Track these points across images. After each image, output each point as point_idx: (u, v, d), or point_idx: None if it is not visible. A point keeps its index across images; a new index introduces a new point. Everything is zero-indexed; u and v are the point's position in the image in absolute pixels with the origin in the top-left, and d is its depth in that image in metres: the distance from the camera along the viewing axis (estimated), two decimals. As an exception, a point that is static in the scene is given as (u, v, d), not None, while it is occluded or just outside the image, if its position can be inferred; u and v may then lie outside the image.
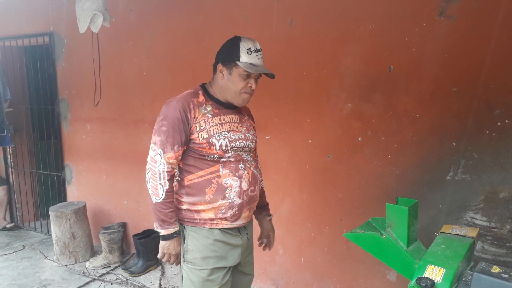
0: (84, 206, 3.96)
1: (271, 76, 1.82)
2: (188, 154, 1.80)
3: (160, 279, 3.45)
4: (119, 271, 3.65)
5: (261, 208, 2.14)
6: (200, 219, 1.81)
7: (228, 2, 3.04)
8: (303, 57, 2.77)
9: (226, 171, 1.79)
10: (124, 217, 3.99)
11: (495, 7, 2.15)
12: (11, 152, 4.70)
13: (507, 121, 2.19)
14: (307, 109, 2.81)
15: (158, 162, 1.75)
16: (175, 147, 1.74)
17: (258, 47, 1.79)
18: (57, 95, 4.25)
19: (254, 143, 1.94)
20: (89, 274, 3.59)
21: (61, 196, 4.48)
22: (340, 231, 2.75)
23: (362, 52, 2.55)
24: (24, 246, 4.28)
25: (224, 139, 1.78)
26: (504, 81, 2.17)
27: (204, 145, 1.76)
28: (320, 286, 2.96)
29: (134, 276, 3.53)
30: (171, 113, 1.75)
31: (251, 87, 1.80)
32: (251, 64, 1.75)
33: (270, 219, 2.17)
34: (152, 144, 1.77)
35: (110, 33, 3.46)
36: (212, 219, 1.80)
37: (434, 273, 1.53)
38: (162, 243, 1.80)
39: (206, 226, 1.81)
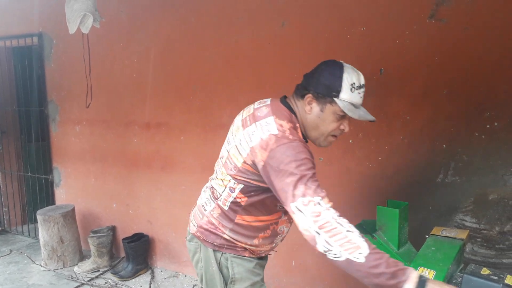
0: (73, 210, 3.91)
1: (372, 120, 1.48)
2: (262, 197, 1.50)
3: (150, 283, 3.41)
4: (108, 275, 3.61)
5: None
6: (240, 248, 1.59)
7: (221, 4, 3.03)
8: (295, 59, 2.77)
9: (285, 218, 1.60)
10: (113, 221, 3.95)
11: (485, 10, 2.17)
12: (-2, 154, 4.63)
13: (496, 124, 2.20)
14: (298, 111, 2.80)
15: (322, 212, 1.27)
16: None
17: (363, 81, 1.46)
18: (46, 97, 4.20)
19: None
20: (78, 279, 3.54)
21: (49, 199, 4.41)
22: (331, 233, 2.74)
23: (354, 54, 2.56)
24: (11, 251, 4.21)
25: None
26: (494, 83, 2.19)
27: None
28: (311, 289, 2.94)
29: (124, 280, 3.49)
30: (304, 152, 1.36)
31: (343, 130, 1.49)
32: (352, 104, 1.42)
33: None
34: (300, 201, 1.29)
35: (101, 34, 3.43)
36: (252, 251, 1.62)
37: (425, 275, 1.52)
38: None
39: (245, 254, 1.61)
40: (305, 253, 2.93)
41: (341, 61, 1.49)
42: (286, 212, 1.58)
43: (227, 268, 1.59)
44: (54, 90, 4.15)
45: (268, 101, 1.59)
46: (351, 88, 1.41)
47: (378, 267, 1.18)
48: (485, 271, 1.48)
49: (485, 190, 2.25)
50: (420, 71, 2.37)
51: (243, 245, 1.59)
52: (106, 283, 3.46)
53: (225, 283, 1.60)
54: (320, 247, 1.26)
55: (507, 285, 1.40)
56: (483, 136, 2.24)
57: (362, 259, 1.19)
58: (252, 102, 3.11)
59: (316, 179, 1.35)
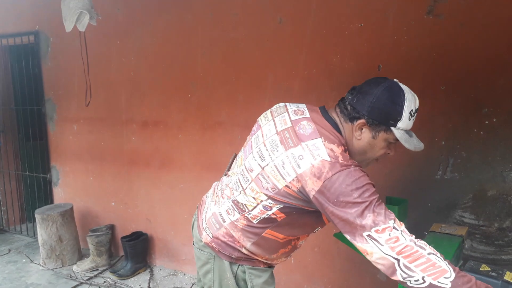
0: (71, 208, 3.90)
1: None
2: (304, 217, 1.43)
3: (149, 282, 3.41)
4: (107, 274, 3.60)
5: None
6: (256, 260, 1.55)
7: (217, 0, 3.01)
8: (292, 56, 2.76)
9: (306, 234, 1.56)
10: (112, 219, 3.94)
11: (483, 6, 2.16)
12: (-4, 153, 4.61)
13: (494, 120, 2.19)
14: (296, 108, 2.79)
15: (400, 238, 1.19)
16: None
17: (417, 105, 1.37)
18: (43, 95, 4.18)
19: None
20: (77, 278, 3.54)
21: (47, 198, 4.40)
22: (330, 231, 2.74)
23: (352, 50, 2.55)
24: (9, 250, 4.20)
25: None
26: (492, 79, 2.18)
27: (325, 219, 1.45)
28: (310, 287, 2.94)
29: (123, 279, 3.48)
30: (363, 178, 1.28)
31: (389, 154, 1.42)
32: (407, 132, 1.34)
33: None
34: (372, 231, 1.20)
35: (97, 32, 3.41)
36: (264, 264, 1.58)
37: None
38: None
39: (261, 266, 1.56)
40: (304, 250, 2.92)
41: (399, 84, 1.37)
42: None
43: (245, 280, 1.53)
44: (51, 89, 4.13)
45: (306, 111, 1.46)
46: (409, 117, 1.33)
47: None
48: (484, 267, 1.48)
49: (484, 186, 2.25)
50: (418, 67, 2.36)
51: (260, 259, 1.54)
52: (105, 282, 3.45)
53: None
54: (399, 275, 1.18)
55: (507, 281, 1.40)
56: (481, 132, 2.24)
57: (448, 284, 1.13)
58: (250, 99, 3.11)
59: (381, 203, 1.25)
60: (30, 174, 4.51)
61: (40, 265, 3.80)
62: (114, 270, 3.58)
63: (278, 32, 2.79)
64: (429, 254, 1.16)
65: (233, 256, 1.52)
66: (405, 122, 1.32)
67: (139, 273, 3.58)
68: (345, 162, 1.28)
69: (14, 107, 4.59)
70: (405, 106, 1.31)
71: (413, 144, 1.35)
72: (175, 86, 3.35)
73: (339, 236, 1.89)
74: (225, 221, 1.51)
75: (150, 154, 3.58)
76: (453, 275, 1.14)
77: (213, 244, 1.54)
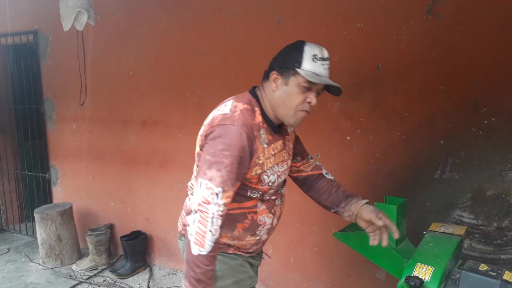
0: (70, 208, 3.90)
1: (338, 91, 1.51)
2: None
3: (149, 281, 3.41)
4: (107, 273, 3.60)
5: (349, 197, 1.72)
6: (224, 244, 1.58)
7: (217, 0, 3.01)
8: (291, 56, 2.76)
9: (263, 207, 1.55)
10: (111, 219, 3.94)
11: (482, 5, 2.16)
12: (-6, 153, 4.61)
13: (493, 119, 2.20)
14: (295, 108, 2.80)
15: (212, 203, 1.34)
16: (236, 183, 1.39)
17: (326, 55, 1.46)
18: (42, 95, 4.18)
19: (289, 168, 1.67)
20: (76, 277, 3.54)
21: (46, 197, 4.40)
22: (330, 230, 2.75)
23: (351, 50, 2.55)
24: (8, 249, 4.20)
25: (273, 175, 1.52)
26: (491, 79, 2.18)
27: (254, 180, 1.48)
28: (309, 286, 2.95)
29: (122, 278, 3.49)
30: (235, 141, 1.37)
31: (310, 103, 1.47)
32: (314, 73, 1.42)
33: (366, 204, 1.67)
34: (205, 181, 1.35)
35: (96, 31, 3.41)
36: (237, 248, 1.60)
37: (423, 271, 1.53)
38: None
39: (230, 252, 1.58)
40: (304, 250, 2.93)
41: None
42: (263, 201, 1.55)
43: None
44: (50, 88, 4.13)
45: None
46: (312, 59, 1.42)
47: (197, 268, 1.32)
48: (483, 267, 1.49)
49: (482, 186, 2.25)
50: (417, 67, 2.37)
51: (225, 240, 1.56)
52: (104, 281, 3.45)
53: None
54: (189, 219, 1.36)
55: (505, 281, 1.40)
56: (480, 132, 2.24)
57: (195, 252, 1.32)
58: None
59: (232, 171, 1.36)
60: (29, 173, 4.51)
61: (39, 264, 3.80)
62: (113, 269, 3.58)
63: (277, 32, 2.79)
64: (209, 230, 1.32)
65: None
66: (309, 63, 1.42)
67: (138, 272, 3.59)
68: (236, 120, 1.40)
69: (13, 106, 4.59)
70: (305, 49, 1.43)
71: (320, 79, 1.42)
72: (174, 86, 3.34)
73: (339, 235, 1.89)
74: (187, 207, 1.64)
75: (150, 153, 3.58)
76: (204, 253, 1.32)
77: (183, 231, 1.62)
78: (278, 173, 1.54)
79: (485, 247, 2.26)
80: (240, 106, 1.46)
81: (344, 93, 2.59)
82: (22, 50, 4.31)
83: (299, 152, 1.79)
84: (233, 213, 1.52)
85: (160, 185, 3.56)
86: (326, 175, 1.80)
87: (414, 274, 1.52)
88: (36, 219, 3.76)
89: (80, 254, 3.96)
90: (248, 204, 1.53)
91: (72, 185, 4.19)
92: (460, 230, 1.80)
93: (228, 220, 1.49)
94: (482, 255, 2.26)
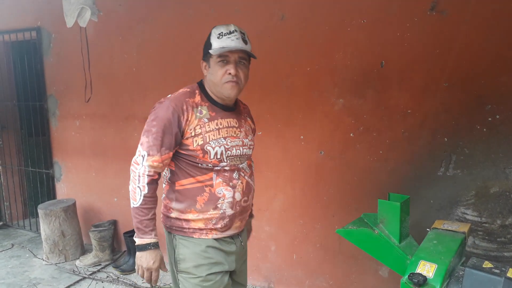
0: (74, 204, 3.91)
1: (249, 54, 1.69)
2: (182, 158, 1.68)
3: (152, 277, 3.42)
4: (110, 269, 3.62)
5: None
6: (189, 229, 1.71)
7: (219, -3, 3.01)
8: (295, 53, 2.75)
9: (219, 180, 1.67)
10: (115, 215, 3.95)
11: (486, 2, 2.15)
12: (-2, 149, 4.62)
13: (498, 116, 2.19)
14: (299, 105, 2.79)
15: (139, 164, 1.61)
16: (162, 149, 1.61)
17: (232, 29, 1.63)
18: (45, 91, 4.18)
19: (251, 149, 1.81)
20: (79, 273, 3.55)
21: (50, 193, 4.41)
22: (332, 227, 2.75)
23: (354, 47, 2.54)
24: (12, 245, 4.22)
25: (220, 147, 1.65)
26: (495, 76, 2.17)
27: (198, 152, 1.64)
28: (312, 282, 2.95)
29: (125, 274, 3.50)
30: (162, 113, 1.61)
31: (230, 73, 1.63)
32: (221, 47, 1.60)
33: (251, 220, 2.08)
34: (139, 145, 1.64)
35: (99, 27, 3.41)
36: (201, 229, 1.70)
37: (426, 268, 1.53)
38: (136, 254, 1.66)
39: (195, 236, 1.71)
40: (306, 246, 2.93)
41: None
42: (218, 174, 1.67)
43: (174, 248, 1.75)
44: (53, 85, 4.13)
45: None
46: (218, 37, 1.62)
47: (134, 218, 1.64)
48: (487, 264, 1.49)
49: (486, 183, 2.25)
50: (421, 64, 2.36)
51: (192, 216, 1.69)
52: (107, 276, 3.47)
53: (175, 263, 1.75)
54: (131, 172, 1.65)
55: (509, 278, 1.40)
56: (484, 129, 2.23)
57: (131, 205, 1.64)
58: (252, 95, 3.11)
59: (157, 138, 1.60)
60: (32, 169, 4.53)
61: (43, 260, 3.82)
62: (116, 265, 3.59)
63: (280, 28, 2.78)
64: (137, 187, 1.61)
65: (167, 225, 1.77)
66: (216, 42, 1.62)
67: (141, 268, 3.60)
68: (170, 97, 1.66)
69: (17, 103, 4.60)
70: (212, 32, 1.65)
71: (221, 49, 1.60)
72: (176, 82, 3.33)
73: (342, 232, 1.89)
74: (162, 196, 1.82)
75: (152, 150, 3.57)
76: (137, 204, 1.61)
77: (161, 220, 1.81)
78: (226, 146, 1.67)
79: (488, 245, 2.26)
80: (182, 90, 1.71)
81: (347, 90, 2.62)
82: (25, 46, 4.31)
83: None
84: (191, 187, 1.68)
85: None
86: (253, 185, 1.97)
87: (418, 271, 1.52)
88: (39, 215, 3.77)
89: (84, 250, 3.98)
90: (204, 177, 1.67)
91: (75, 181, 4.21)
92: (464, 228, 1.79)
93: (188, 195, 1.68)
94: (486, 252, 2.26)
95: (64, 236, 3.78)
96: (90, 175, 4.06)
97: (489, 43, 2.16)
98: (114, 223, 3.91)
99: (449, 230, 1.80)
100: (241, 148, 1.72)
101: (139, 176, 1.62)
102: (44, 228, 3.76)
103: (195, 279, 1.71)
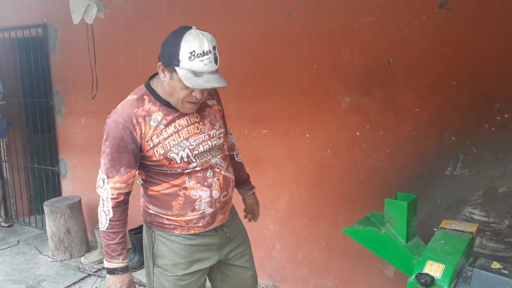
0: (79, 201, 3.92)
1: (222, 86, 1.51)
2: (149, 167, 1.61)
3: (156, 274, 3.43)
4: (115, 266, 3.62)
5: (242, 183, 2.03)
6: (170, 225, 1.66)
7: (225, -6, 2.99)
8: (301, 50, 2.73)
9: (193, 182, 1.60)
10: (120, 212, 3.95)
11: (496, 0, 2.12)
12: (4, 146, 4.63)
13: (506, 116, 2.16)
14: (305, 102, 2.78)
15: (102, 188, 1.57)
16: (122, 170, 1.53)
17: (206, 48, 1.43)
18: (51, 88, 4.19)
19: (221, 137, 1.69)
20: (85, 270, 3.57)
21: (55, 190, 4.43)
22: (338, 226, 2.73)
23: (361, 44, 2.52)
24: (18, 241, 4.24)
25: (183, 150, 1.55)
26: (504, 74, 2.15)
27: (163, 161, 1.55)
28: (317, 281, 2.94)
29: (130, 271, 3.50)
30: (113, 132, 1.52)
31: (195, 97, 1.51)
32: (192, 72, 1.42)
33: (253, 193, 2.07)
34: (99, 168, 1.58)
35: (105, 24, 3.40)
36: (183, 226, 1.66)
37: (434, 269, 1.51)
38: (106, 276, 1.63)
39: (176, 232, 1.66)
40: (312, 245, 2.92)
41: (189, 27, 1.47)
42: (190, 176, 1.59)
43: (153, 243, 1.71)
44: (59, 81, 4.14)
45: None
46: (189, 57, 1.41)
47: (103, 241, 1.59)
48: (495, 265, 1.47)
49: (494, 183, 2.22)
50: (429, 62, 2.33)
51: (170, 217, 1.64)
52: (112, 274, 3.48)
53: (152, 257, 1.72)
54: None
55: (518, 279, 1.38)
56: (493, 128, 2.21)
57: (99, 228, 1.59)
58: (258, 93, 3.10)
59: (113, 159, 1.52)
60: (38, 166, 4.54)
61: (48, 257, 3.84)
62: (121, 263, 3.60)
63: (286, 25, 2.76)
64: (102, 211, 1.57)
65: (147, 220, 1.73)
66: (185, 61, 1.41)
67: (146, 265, 3.60)
68: (117, 111, 1.57)
69: (23, 99, 4.61)
70: (182, 45, 1.41)
71: (193, 82, 1.42)
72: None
73: (348, 231, 1.88)
74: None
75: (158, 147, 3.57)
76: (104, 228, 1.57)
77: (141, 212, 1.77)
78: (191, 147, 1.56)
79: (496, 245, 2.23)
80: (130, 98, 1.61)
81: (354, 88, 2.60)
82: (31, 43, 4.32)
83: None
84: (165, 193, 1.61)
85: (168, 179, 3.56)
86: (236, 157, 1.99)
87: (425, 271, 1.51)
88: (45, 212, 3.79)
89: (89, 247, 3.99)
90: (177, 181, 1.59)
91: (81, 178, 4.22)
92: (472, 228, 1.78)
93: (162, 201, 1.62)
94: (493, 253, 2.24)
95: (69, 233, 3.79)
96: (95, 172, 4.01)
97: (499, 41, 2.14)
98: (119, 220, 3.91)
99: (457, 230, 1.78)
100: (208, 142, 1.62)
101: (103, 200, 1.57)
102: (50, 225, 3.78)
103: (171, 276, 1.69)
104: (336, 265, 2.85)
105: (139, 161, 1.59)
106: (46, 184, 4.49)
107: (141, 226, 3.86)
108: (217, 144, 1.66)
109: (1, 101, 4.27)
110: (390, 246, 1.78)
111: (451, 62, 2.27)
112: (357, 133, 2.62)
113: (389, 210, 1.83)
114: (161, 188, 1.62)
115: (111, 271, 1.60)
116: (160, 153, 1.54)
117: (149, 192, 1.66)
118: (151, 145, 1.54)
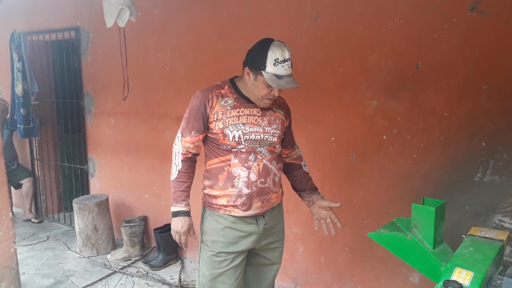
0: (107, 199, 4.02)
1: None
2: (209, 141, 1.95)
3: (180, 274, 3.48)
4: (140, 264, 3.70)
5: (312, 191, 2.17)
6: (216, 204, 1.96)
7: (253, -3, 3.02)
8: (328, 53, 2.73)
9: (236, 161, 1.89)
10: (145, 211, 4.04)
11: (531, 2, 2.07)
12: (36, 144, 4.81)
13: (540, 121, 2.10)
14: (330, 105, 2.77)
15: (176, 144, 1.95)
16: (193, 133, 1.90)
17: (287, 56, 1.80)
18: (82, 89, 4.33)
19: (275, 137, 1.96)
20: (111, 267, 3.65)
21: (84, 188, 4.56)
22: (362, 231, 2.71)
23: (389, 48, 2.50)
24: (48, 237, 4.39)
25: (237, 131, 1.87)
26: (539, 79, 2.09)
27: (219, 135, 1.88)
28: (340, 286, 2.92)
29: (154, 270, 3.57)
30: (193, 102, 1.92)
31: (274, 94, 1.87)
32: (275, 76, 1.78)
33: (323, 197, 2.15)
34: (176, 135, 1.97)
35: (135, 28, 3.49)
36: (225, 206, 1.93)
37: (462, 276, 1.48)
38: (171, 220, 1.97)
39: (221, 212, 1.95)
40: (335, 249, 2.90)
41: (272, 39, 1.82)
42: (236, 155, 1.89)
43: (203, 220, 2.04)
44: (89, 83, 4.27)
45: None
46: (274, 63, 1.76)
47: (171, 188, 1.98)
48: (526, 274, 1.43)
49: (526, 191, 2.16)
50: (459, 66, 2.29)
51: (216, 193, 1.93)
52: (137, 271, 3.55)
53: (201, 232, 2.04)
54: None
55: (551, 290, 1.34)
56: (525, 134, 2.15)
57: (171, 178, 1.97)
58: (284, 96, 3.10)
59: (189, 122, 1.91)
60: (68, 165, 4.69)
61: (76, 253, 3.95)
62: (146, 261, 3.67)
63: (313, 28, 2.77)
64: (174, 163, 1.95)
65: (203, 200, 2.04)
66: (271, 66, 1.77)
67: (170, 264, 3.66)
68: (202, 89, 1.94)
69: (55, 100, 4.78)
70: (268, 54, 1.77)
71: (277, 83, 1.78)
72: (209, 82, 3.33)
73: (374, 236, 1.86)
74: None
75: (183, 148, 3.63)
76: (173, 178, 1.95)
77: (202, 199, 2.07)
78: (244, 131, 1.87)
79: (527, 254, 2.16)
80: (216, 83, 1.98)
81: (381, 91, 2.58)
82: (64, 46, 4.48)
83: (288, 141, 2.14)
84: (215, 167, 1.93)
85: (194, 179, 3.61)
86: (304, 167, 2.21)
87: (453, 279, 1.48)
88: (74, 209, 3.90)
89: (115, 245, 4.08)
90: (224, 158, 1.91)
91: (108, 177, 4.32)
92: (502, 235, 1.73)
93: (213, 174, 1.94)
94: (524, 262, 2.17)
95: (96, 231, 3.89)
96: (122, 171, 4.16)
97: (533, 44, 2.08)
98: (145, 219, 3.99)
99: (487, 238, 1.73)
100: (261, 134, 1.91)
101: (175, 154, 1.94)
102: (78, 222, 3.89)
103: (209, 251, 1.99)
104: (359, 270, 2.82)
105: (206, 130, 1.92)
106: (75, 182, 4.63)
107: (166, 226, 3.95)
108: (268, 140, 1.93)
109: (34, 101, 4.43)
110: (416, 252, 1.75)
111: (482, 66, 2.22)
112: (384, 137, 2.59)
113: (416, 215, 1.80)
114: (213, 162, 1.94)
115: (175, 214, 1.94)
116: (219, 127, 1.87)
117: (207, 167, 1.98)
118: (215, 118, 1.88)
